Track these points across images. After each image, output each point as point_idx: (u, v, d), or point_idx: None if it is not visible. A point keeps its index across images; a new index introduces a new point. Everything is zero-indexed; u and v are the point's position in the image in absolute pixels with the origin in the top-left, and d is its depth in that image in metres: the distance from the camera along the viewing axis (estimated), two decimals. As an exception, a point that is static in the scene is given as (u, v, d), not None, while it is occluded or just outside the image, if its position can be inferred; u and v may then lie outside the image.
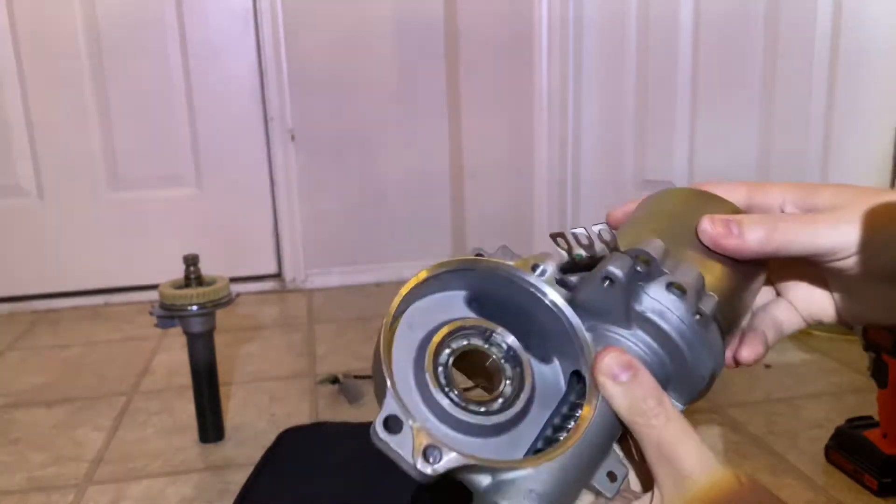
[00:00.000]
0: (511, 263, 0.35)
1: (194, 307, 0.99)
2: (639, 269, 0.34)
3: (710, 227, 0.37)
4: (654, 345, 0.35)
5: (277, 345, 1.45)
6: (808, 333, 1.38)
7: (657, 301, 0.34)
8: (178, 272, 1.03)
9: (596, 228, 0.35)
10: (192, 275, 1.01)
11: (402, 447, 0.30)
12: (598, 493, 0.34)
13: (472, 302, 0.36)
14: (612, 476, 0.34)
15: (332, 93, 1.78)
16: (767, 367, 1.24)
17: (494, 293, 0.36)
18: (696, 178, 1.45)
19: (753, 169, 1.39)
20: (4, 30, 1.65)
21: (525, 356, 0.35)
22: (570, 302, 0.35)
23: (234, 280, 1.83)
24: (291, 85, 1.75)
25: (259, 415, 1.15)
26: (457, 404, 0.33)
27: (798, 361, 1.26)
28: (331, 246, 1.86)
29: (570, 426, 0.34)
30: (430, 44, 1.78)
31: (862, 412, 0.97)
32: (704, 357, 0.35)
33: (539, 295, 0.35)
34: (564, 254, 0.36)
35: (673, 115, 1.45)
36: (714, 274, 0.37)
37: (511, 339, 0.35)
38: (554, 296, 0.35)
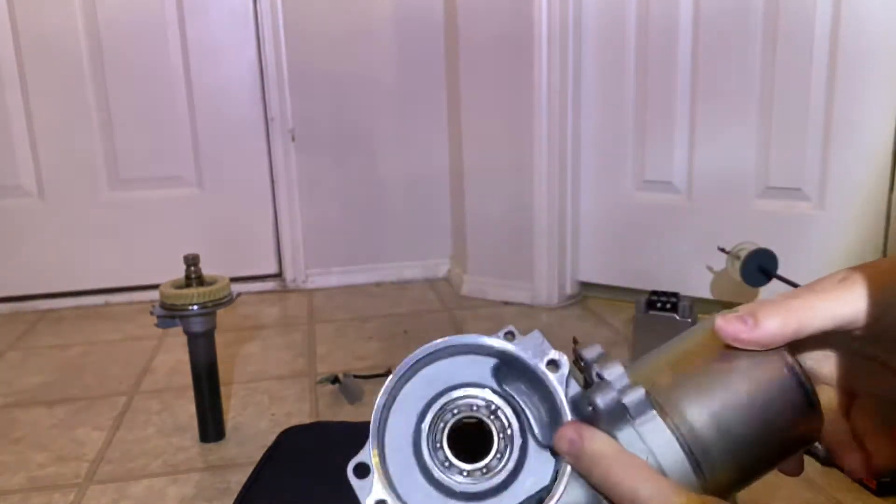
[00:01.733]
0: (525, 356, 0.37)
1: (195, 307, 0.99)
2: (625, 402, 0.35)
3: (725, 325, 0.36)
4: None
5: (278, 345, 1.46)
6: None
7: (642, 443, 0.35)
8: (179, 272, 1.03)
9: (615, 371, 0.36)
10: (193, 275, 1.01)
11: (362, 492, 0.35)
12: None
13: (499, 369, 0.38)
14: None
15: (333, 93, 1.78)
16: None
17: (520, 370, 0.38)
18: (695, 179, 1.45)
19: (752, 169, 1.39)
20: (6, 31, 1.65)
21: (519, 440, 0.37)
22: (575, 403, 0.36)
23: (234, 280, 1.84)
24: (292, 85, 1.75)
25: (259, 414, 1.15)
26: (440, 462, 0.36)
27: (798, 361, 1.26)
28: (331, 246, 1.86)
29: None
30: (430, 44, 1.79)
31: (862, 412, 0.97)
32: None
33: (550, 390, 0.36)
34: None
35: (672, 116, 1.45)
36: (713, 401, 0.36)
37: (513, 421, 0.37)
38: (560, 395, 0.36)
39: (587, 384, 0.37)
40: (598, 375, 0.36)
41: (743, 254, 1.16)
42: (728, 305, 1.52)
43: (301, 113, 1.77)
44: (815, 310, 0.36)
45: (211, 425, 1.06)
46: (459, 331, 1.49)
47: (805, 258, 1.35)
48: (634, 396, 0.35)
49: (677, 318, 1.11)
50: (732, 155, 1.41)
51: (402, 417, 0.38)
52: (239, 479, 0.96)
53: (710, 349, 0.37)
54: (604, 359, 0.36)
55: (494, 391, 0.38)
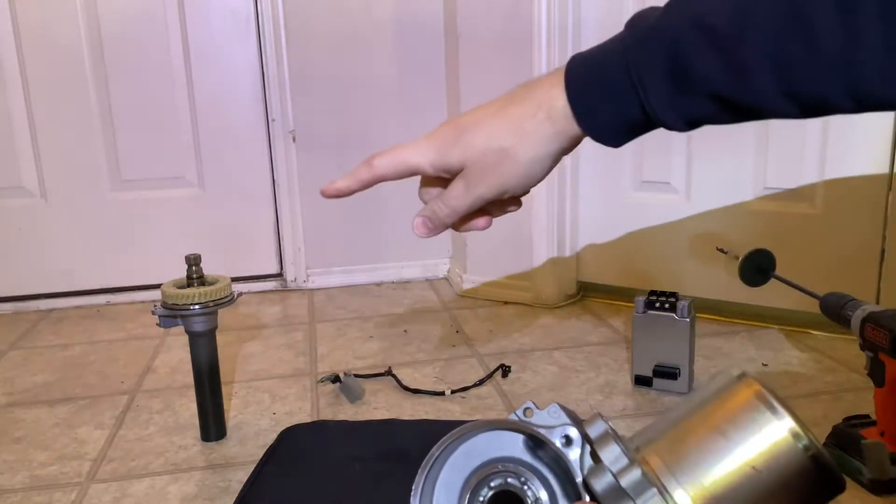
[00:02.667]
0: (543, 434, 0.41)
1: (196, 306, 0.99)
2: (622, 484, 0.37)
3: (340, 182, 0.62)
4: None
5: (278, 344, 1.46)
6: (806, 332, 1.39)
7: None
8: (181, 272, 1.03)
9: (612, 453, 0.39)
10: (195, 274, 1.02)
11: None
12: None
13: (530, 441, 0.42)
14: None
15: (333, 93, 1.78)
16: (764, 365, 1.25)
17: (544, 442, 0.41)
18: (693, 179, 1.46)
19: (751, 169, 1.40)
20: (8, 32, 1.66)
21: None
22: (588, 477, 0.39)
23: (235, 280, 1.84)
24: (292, 86, 1.76)
25: (260, 413, 1.15)
26: None
27: (795, 360, 1.27)
28: (332, 246, 1.87)
29: None
30: (430, 44, 1.79)
31: (859, 411, 0.98)
32: None
33: (565, 460, 0.40)
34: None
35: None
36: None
37: (542, 492, 0.41)
38: (575, 472, 0.40)
39: (595, 458, 0.39)
40: (596, 457, 0.37)
41: (741, 254, 1.16)
42: (726, 305, 1.54)
43: (302, 113, 1.78)
44: (406, 153, 0.59)
45: (212, 424, 1.07)
46: (460, 330, 1.50)
47: (804, 258, 1.35)
48: (632, 478, 0.36)
49: (676, 317, 1.11)
50: (731, 155, 1.41)
51: (443, 491, 0.43)
52: (240, 477, 0.96)
53: (714, 418, 0.37)
54: (605, 437, 0.38)
55: (526, 464, 0.42)
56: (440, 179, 0.59)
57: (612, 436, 0.38)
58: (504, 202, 0.60)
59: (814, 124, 1.31)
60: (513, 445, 0.42)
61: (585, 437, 0.39)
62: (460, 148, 0.56)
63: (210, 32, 1.73)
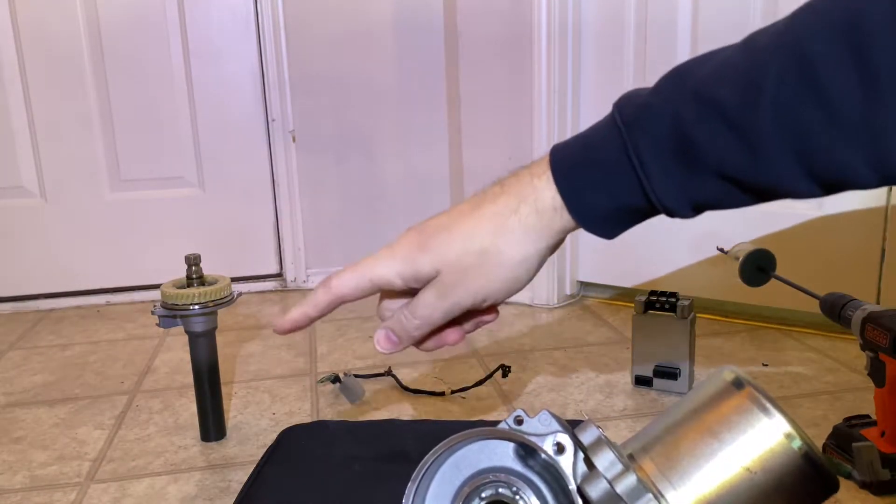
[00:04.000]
0: (534, 442, 0.40)
1: (196, 306, 0.99)
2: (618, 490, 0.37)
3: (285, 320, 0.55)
4: None
5: (278, 344, 1.46)
6: (806, 332, 1.39)
7: None
8: (180, 272, 1.03)
9: (606, 459, 0.39)
10: (194, 274, 1.02)
11: None
12: None
13: (519, 450, 0.42)
14: None
15: (333, 93, 1.78)
16: (765, 365, 1.25)
17: (535, 450, 0.41)
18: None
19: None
20: (7, 32, 1.66)
21: None
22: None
23: (235, 280, 1.84)
24: (292, 86, 1.76)
25: (260, 413, 1.15)
26: None
27: (795, 360, 1.27)
28: (332, 246, 1.87)
29: None
30: (430, 44, 1.79)
31: (859, 411, 0.98)
32: None
33: (561, 474, 0.40)
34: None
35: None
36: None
37: (533, 501, 0.41)
38: (568, 480, 0.40)
39: (589, 464, 0.39)
40: (589, 464, 0.37)
41: (741, 254, 1.16)
42: (726, 306, 1.54)
43: (302, 113, 1.78)
44: (368, 267, 0.51)
45: (212, 424, 1.07)
46: (459, 330, 1.49)
47: (804, 258, 1.35)
48: (627, 484, 0.36)
49: (676, 317, 1.11)
50: (731, 155, 1.41)
51: (435, 503, 0.43)
52: (240, 477, 0.96)
53: (707, 421, 0.37)
54: (598, 443, 0.38)
55: (517, 473, 0.41)
56: (404, 293, 0.52)
57: (605, 442, 0.38)
58: (480, 312, 0.53)
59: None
60: (503, 455, 0.42)
61: (578, 444, 0.39)
62: (432, 253, 0.49)
63: (210, 32, 1.73)
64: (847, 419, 0.94)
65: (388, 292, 0.54)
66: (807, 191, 0.41)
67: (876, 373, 0.88)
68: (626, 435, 1.02)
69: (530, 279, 0.50)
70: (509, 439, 0.41)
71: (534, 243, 0.48)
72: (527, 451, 0.41)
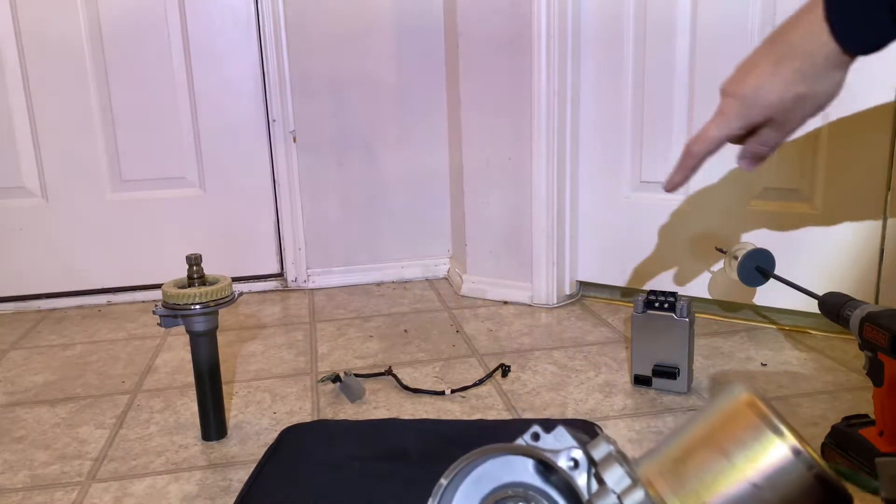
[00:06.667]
0: (550, 459, 0.41)
1: (197, 306, 1.00)
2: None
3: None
4: None
5: (279, 344, 1.46)
6: (806, 332, 1.39)
7: None
8: (181, 272, 1.04)
9: (615, 474, 0.40)
10: (195, 274, 1.02)
11: None
12: None
13: (540, 465, 0.44)
14: None
15: (333, 94, 1.79)
16: (764, 365, 1.25)
17: (552, 465, 0.42)
18: (693, 179, 1.46)
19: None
20: (9, 33, 1.66)
21: None
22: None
23: (236, 280, 1.86)
24: (293, 86, 1.76)
25: (261, 413, 1.16)
26: None
27: (794, 360, 1.27)
28: (332, 246, 1.87)
29: None
30: (430, 44, 1.79)
31: (858, 410, 0.98)
32: None
33: (573, 483, 0.41)
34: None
35: (670, 117, 1.45)
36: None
37: None
38: (582, 496, 0.41)
39: (600, 479, 0.40)
40: (600, 479, 0.38)
41: (740, 254, 1.16)
42: (725, 305, 1.54)
43: (302, 114, 1.78)
44: (714, 131, 0.73)
45: (213, 424, 1.07)
46: (460, 330, 1.50)
47: (803, 258, 1.35)
48: (635, 498, 0.37)
49: (675, 317, 1.12)
50: (730, 155, 1.41)
51: None
52: (241, 477, 0.97)
53: (717, 438, 0.37)
54: (608, 459, 0.38)
55: (535, 488, 0.43)
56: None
57: (615, 457, 0.38)
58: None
59: (812, 124, 1.32)
60: (522, 470, 0.43)
61: (590, 459, 0.40)
62: (759, 108, 0.68)
63: (211, 33, 1.74)
64: (846, 419, 0.94)
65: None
66: None
67: (874, 372, 0.88)
68: (626, 434, 1.03)
69: (840, 89, 0.67)
70: (527, 454, 0.42)
71: (835, 74, 0.65)
72: (546, 467, 0.43)
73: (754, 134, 0.73)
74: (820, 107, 0.68)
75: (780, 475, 0.35)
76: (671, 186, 0.79)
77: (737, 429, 0.37)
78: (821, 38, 0.63)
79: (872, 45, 0.62)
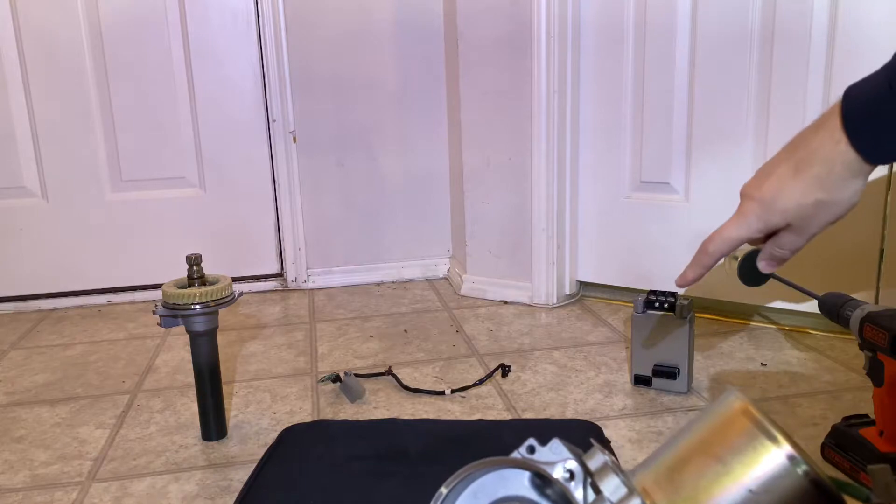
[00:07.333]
0: (546, 471, 0.42)
1: (197, 306, 1.00)
2: None
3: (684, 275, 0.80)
4: None
5: (279, 343, 1.47)
6: (805, 332, 1.39)
7: None
8: (181, 272, 1.04)
9: (611, 484, 0.40)
10: (195, 274, 1.02)
11: None
12: None
13: (536, 478, 0.44)
14: None
15: (333, 94, 1.79)
16: (763, 365, 1.25)
17: (548, 478, 0.43)
18: (692, 180, 1.46)
19: (750, 169, 1.40)
20: (9, 32, 1.66)
21: None
22: None
23: (236, 280, 1.86)
24: (293, 86, 1.76)
25: (261, 413, 1.16)
26: None
27: (794, 360, 1.27)
28: (332, 246, 1.87)
29: None
30: (430, 44, 1.79)
31: (858, 410, 0.98)
32: None
33: (569, 495, 0.42)
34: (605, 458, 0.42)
35: (670, 117, 1.45)
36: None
37: None
38: (577, 502, 0.41)
39: (596, 489, 0.40)
40: (596, 489, 0.38)
41: (740, 254, 1.16)
42: (725, 306, 1.54)
43: (302, 114, 1.78)
44: (732, 232, 0.73)
45: (213, 423, 1.07)
46: (460, 330, 1.50)
47: (803, 258, 1.35)
48: None
49: (675, 317, 1.12)
50: (730, 155, 1.41)
51: None
52: (241, 476, 0.97)
53: (712, 446, 0.38)
54: (604, 469, 0.38)
55: (532, 501, 0.43)
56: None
57: (610, 467, 0.39)
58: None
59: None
60: (518, 483, 0.43)
61: (586, 470, 0.40)
62: (778, 213, 0.69)
63: (211, 33, 1.74)
64: (846, 419, 0.94)
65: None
66: None
67: (874, 372, 0.88)
68: (626, 434, 1.03)
69: (859, 197, 0.67)
70: (523, 467, 0.43)
71: (854, 184, 0.65)
72: (542, 480, 0.43)
73: (774, 236, 0.73)
74: (839, 214, 0.68)
75: (776, 481, 0.36)
76: (684, 283, 0.78)
77: (731, 436, 0.37)
78: (839, 145, 0.63)
79: (890, 154, 0.61)
